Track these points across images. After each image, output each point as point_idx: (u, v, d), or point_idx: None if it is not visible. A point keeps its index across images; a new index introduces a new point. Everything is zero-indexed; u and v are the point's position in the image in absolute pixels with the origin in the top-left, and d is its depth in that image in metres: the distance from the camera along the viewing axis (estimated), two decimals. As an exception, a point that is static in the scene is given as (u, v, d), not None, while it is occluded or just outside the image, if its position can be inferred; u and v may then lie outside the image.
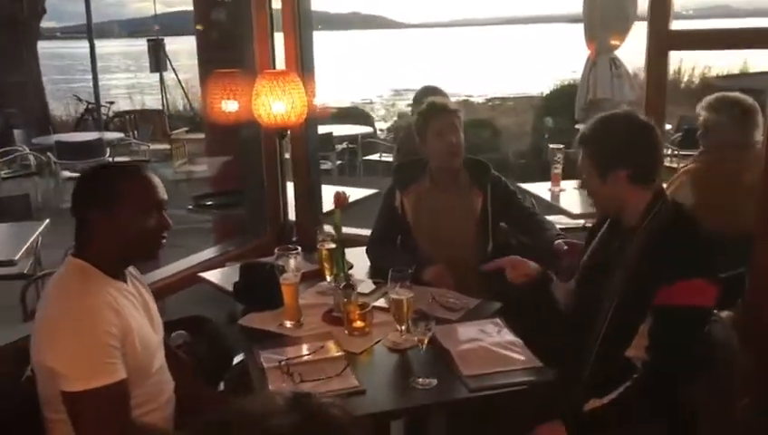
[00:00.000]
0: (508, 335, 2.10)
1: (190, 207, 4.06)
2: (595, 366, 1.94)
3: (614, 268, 1.93)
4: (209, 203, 4.07)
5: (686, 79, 16.20)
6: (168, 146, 8.75)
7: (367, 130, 8.94)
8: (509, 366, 1.94)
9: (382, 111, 15.45)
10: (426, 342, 1.87)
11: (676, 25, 2.66)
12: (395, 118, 12.01)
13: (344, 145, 8.21)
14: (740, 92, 3.23)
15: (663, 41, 2.64)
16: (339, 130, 8.27)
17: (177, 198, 5.28)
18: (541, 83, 12.39)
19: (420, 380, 1.87)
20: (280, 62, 3.46)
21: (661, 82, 2.71)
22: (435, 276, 2.53)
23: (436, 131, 2.71)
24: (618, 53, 5.62)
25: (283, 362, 1.93)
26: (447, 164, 2.72)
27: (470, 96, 17.52)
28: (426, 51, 36.33)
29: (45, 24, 13.37)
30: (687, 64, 16.33)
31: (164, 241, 1.79)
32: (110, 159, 7.32)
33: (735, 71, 13.85)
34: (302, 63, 3.35)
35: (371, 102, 17.95)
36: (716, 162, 3.13)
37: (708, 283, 1.79)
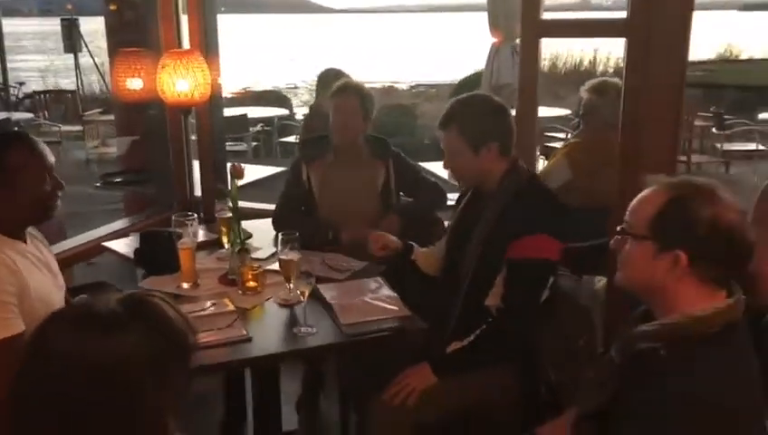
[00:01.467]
0: (386, 291, 2.34)
1: (98, 184, 4.13)
2: (459, 315, 2.20)
3: (474, 229, 2.19)
4: (117, 180, 4.15)
5: (600, 68, 16.99)
6: (80, 127, 8.61)
7: (283, 112, 9.04)
8: (383, 315, 2.18)
9: (306, 95, 15.47)
10: (307, 294, 2.08)
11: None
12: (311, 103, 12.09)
13: (259, 127, 8.29)
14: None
15: (534, 29, 2.92)
16: (254, 111, 8.36)
17: (89, 178, 5.33)
18: (462, 70, 12.77)
19: (303, 328, 2.09)
20: (187, 43, 3.58)
21: (533, 67, 2.98)
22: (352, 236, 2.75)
23: (334, 109, 2.92)
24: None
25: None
26: (338, 140, 2.92)
27: (396, 82, 17.80)
28: (352, 37, 36.39)
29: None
30: (602, 54, 17.15)
31: (58, 202, 1.92)
32: None
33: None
34: (207, 44, 3.49)
35: (296, 87, 17.95)
36: (593, 140, 3.47)
37: (550, 238, 2.06)
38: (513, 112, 8.01)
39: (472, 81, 9.03)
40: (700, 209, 1.34)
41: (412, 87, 17.50)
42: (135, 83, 3.49)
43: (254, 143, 8.26)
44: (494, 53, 6.07)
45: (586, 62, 17.54)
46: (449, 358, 2.12)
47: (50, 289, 1.95)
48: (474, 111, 2.23)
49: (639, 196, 1.44)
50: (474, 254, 2.16)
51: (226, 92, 11.83)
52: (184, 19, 3.55)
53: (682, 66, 2.72)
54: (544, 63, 16.25)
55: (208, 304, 2.23)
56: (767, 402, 1.37)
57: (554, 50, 17.00)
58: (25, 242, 1.93)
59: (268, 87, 12.54)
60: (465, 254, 2.20)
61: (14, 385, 0.99)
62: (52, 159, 1.92)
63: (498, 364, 2.08)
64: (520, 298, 2.08)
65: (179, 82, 3.17)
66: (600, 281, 3.00)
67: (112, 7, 4.90)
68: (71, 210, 3.04)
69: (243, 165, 2.65)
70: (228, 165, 2.89)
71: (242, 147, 7.65)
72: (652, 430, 1.31)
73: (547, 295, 2.13)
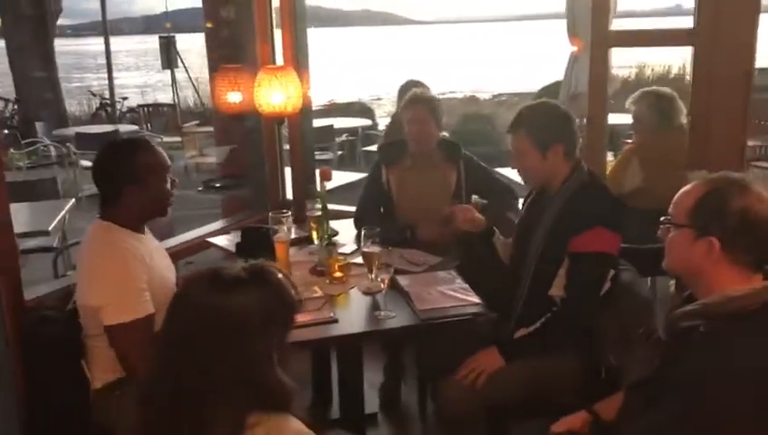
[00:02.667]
0: (459, 282, 2.57)
1: (200, 188, 4.53)
2: (525, 304, 2.40)
3: (539, 224, 2.38)
4: (217, 185, 4.54)
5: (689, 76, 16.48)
6: (179, 138, 9.21)
7: (366, 123, 9.39)
8: (455, 303, 2.40)
9: (389, 106, 15.78)
10: (387, 281, 2.33)
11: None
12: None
13: (344, 137, 8.65)
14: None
15: (603, 40, 3.08)
16: (340, 122, 8.74)
17: (189, 184, 5.80)
18: (543, 79, 12.81)
19: (383, 312, 2.34)
20: (281, 58, 3.91)
21: (603, 76, 3.13)
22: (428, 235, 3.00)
23: (407, 120, 3.17)
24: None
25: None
26: (414, 148, 3.17)
27: (478, 92, 17.95)
28: (438, 48, 36.65)
29: (59, 21, 13.84)
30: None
31: (173, 198, 2.25)
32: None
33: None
34: (298, 59, 3.81)
35: (379, 99, 18.35)
36: (644, 145, 3.63)
37: (609, 232, 2.22)
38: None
39: (551, 89, 9.11)
40: (732, 201, 1.50)
41: (494, 96, 17.59)
42: (235, 97, 3.84)
43: (340, 152, 8.64)
44: (573, 61, 6.16)
45: (675, 70, 17.14)
46: (516, 343, 2.32)
47: (166, 272, 2.28)
48: (541, 117, 2.41)
49: (682, 189, 1.61)
50: (537, 247, 2.36)
51: (315, 105, 12.32)
52: (278, 34, 3.88)
53: (748, 72, 2.82)
54: (631, 72, 16.01)
55: (301, 290, 2.51)
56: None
57: (642, 59, 16.70)
58: (144, 234, 2.27)
59: (354, 99, 12.95)
60: (530, 247, 2.40)
61: (162, 326, 1.28)
62: (169, 161, 2.26)
63: (562, 350, 2.26)
64: (581, 289, 2.26)
65: (274, 95, 3.49)
66: (672, 283, 3.12)
67: (209, 25, 5.34)
68: (175, 212, 3.40)
69: (330, 168, 2.93)
70: (318, 170, 3.18)
71: (328, 155, 8.04)
72: (690, 400, 1.47)
73: (608, 287, 2.30)
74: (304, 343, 2.25)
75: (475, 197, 2.99)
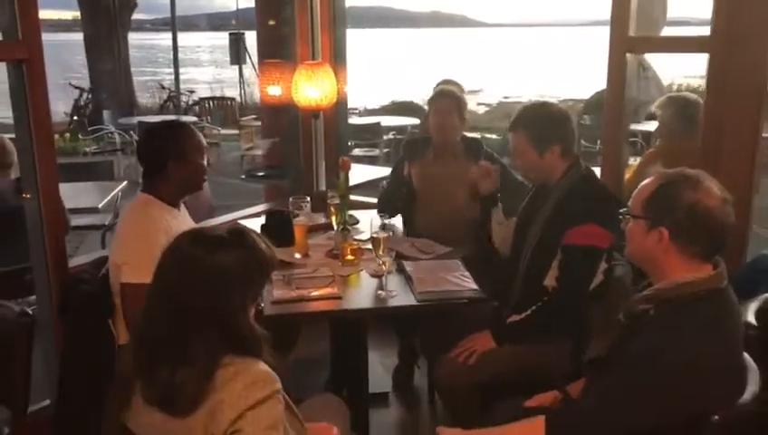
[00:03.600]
0: (462, 271, 2.72)
1: (243, 177, 4.81)
2: (521, 293, 2.54)
3: (536, 217, 2.52)
4: (259, 174, 4.80)
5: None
6: (237, 131, 9.60)
7: (414, 121, 9.54)
8: (453, 288, 2.56)
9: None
10: (388, 263, 2.52)
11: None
12: None
13: (391, 135, 8.85)
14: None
15: (622, 44, 3.16)
16: (387, 120, 8.94)
17: (239, 173, 6.12)
18: (596, 85, 12.70)
19: (384, 292, 2.52)
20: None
21: (621, 80, 3.21)
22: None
23: (433, 111, 3.34)
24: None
25: (285, 276, 2.61)
26: (437, 138, 3.33)
27: (544, 96, 17.87)
28: (503, 51, 36.47)
29: (136, 15, 14.51)
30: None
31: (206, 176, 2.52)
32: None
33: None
34: (336, 57, 4.02)
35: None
36: (668, 150, 3.69)
37: (600, 228, 2.34)
38: (638, 127, 8.16)
39: (602, 96, 9.08)
40: (683, 195, 1.62)
41: (561, 102, 17.43)
42: (275, 90, 4.08)
43: (386, 149, 8.85)
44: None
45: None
46: (507, 328, 2.46)
47: None
48: (539, 118, 2.53)
49: (641, 183, 1.73)
50: (533, 239, 2.50)
51: (377, 104, 12.53)
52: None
53: (762, 78, 2.86)
54: (683, 84, 15.57)
55: (313, 269, 2.72)
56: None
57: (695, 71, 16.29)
58: (179, 209, 2.52)
59: (408, 99, 13.12)
60: (527, 238, 2.53)
61: (153, 275, 1.50)
62: (205, 142, 2.54)
63: (550, 337, 2.39)
64: (570, 281, 2.39)
65: (310, 89, 3.71)
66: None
67: (271, 22, 5.61)
68: (221, 197, 3.62)
69: (349, 159, 3.13)
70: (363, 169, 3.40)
71: (375, 152, 8.26)
72: (631, 375, 1.60)
73: (601, 280, 2.42)
74: (312, 314, 2.46)
75: (483, 161, 3.08)
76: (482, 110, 11.38)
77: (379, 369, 3.55)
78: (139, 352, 1.50)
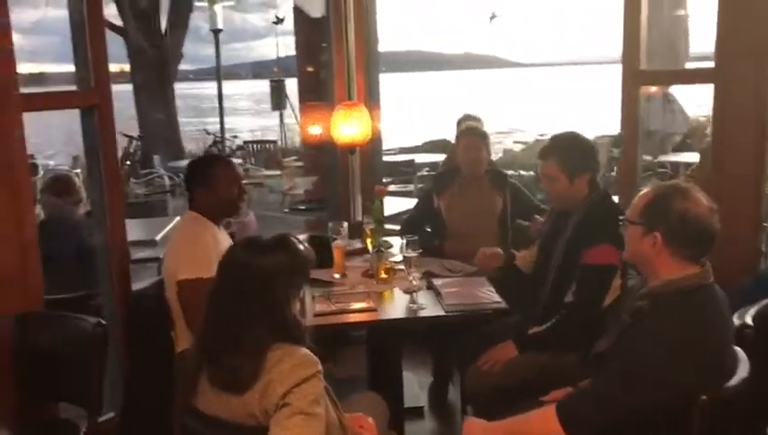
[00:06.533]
0: (488, 286, 2.96)
1: (286, 210, 5.16)
2: (544, 307, 2.77)
3: (560, 238, 2.76)
4: (301, 208, 5.15)
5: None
6: (279, 172, 10.03)
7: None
8: (479, 301, 2.81)
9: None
10: (418, 278, 2.80)
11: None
12: (499, 155, 12.30)
13: (425, 171, 9.16)
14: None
15: (634, 77, 3.40)
16: (421, 157, 9.35)
17: (282, 208, 6.52)
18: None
19: (415, 305, 2.78)
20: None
21: (635, 112, 3.43)
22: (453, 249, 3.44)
23: (462, 147, 3.62)
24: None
25: (325, 292, 2.89)
26: (467, 171, 3.60)
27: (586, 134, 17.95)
28: (532, 90, 36.75)
29: (180, 66, 15.21)
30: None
31: (243, 203, 2.80)
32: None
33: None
34: (370, 97, 4.35)
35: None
36: (701, 179, 3.87)
37: (612, 247, 2.50)
38: (666, 158, 8.32)
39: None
40: (675, 203, 1.85)
41: (597, 138, 17.50)
42: (315, 130, 4.42)
43: (420, 185, 9.15)
44: (646, 100, 6.41)
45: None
46: (529, 338, 2.69)
47: None
48: (571, 147, 2.76)
49: (639, 193, 1.98)
50: (558, 258, 2.74)
51: (411, 144, 12.85)
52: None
53: (764, 108, 3.06)
54: (709, 116, 15.55)
55: (350, 287, 3.00)
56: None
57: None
58: (220, 227, 2.83)
59: (440, 137, 13.45)
60: (552, 258, 2.78)
61: (214, 279, 1.79)
62: (241, 172, 2.83)
63: (569, 346, 2.57)
64: (585, 296, 2.62)
65: (347, 127, 4.02)
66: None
67: (310, 68, 6.01)
68: (266, 227, 3.87)
69: (384, 187, 3.42)
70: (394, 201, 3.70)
71: (409, 187, 8.60)
72: (627, 360, 1.82)
73: (618, 295, 2.63)
74: (351, 324, 2.73)
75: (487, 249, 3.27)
76: (518, 148, 11.61)
77: (415, 387, 3.77)
78: (203, 342, 1.78)
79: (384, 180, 6.13)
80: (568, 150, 2.74)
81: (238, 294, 1.74)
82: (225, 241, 2.78)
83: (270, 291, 1.75)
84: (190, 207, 2.82)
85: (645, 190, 1.97)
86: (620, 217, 2.02)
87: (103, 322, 2.52)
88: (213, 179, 2.75)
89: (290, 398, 1.67)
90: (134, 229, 4.64)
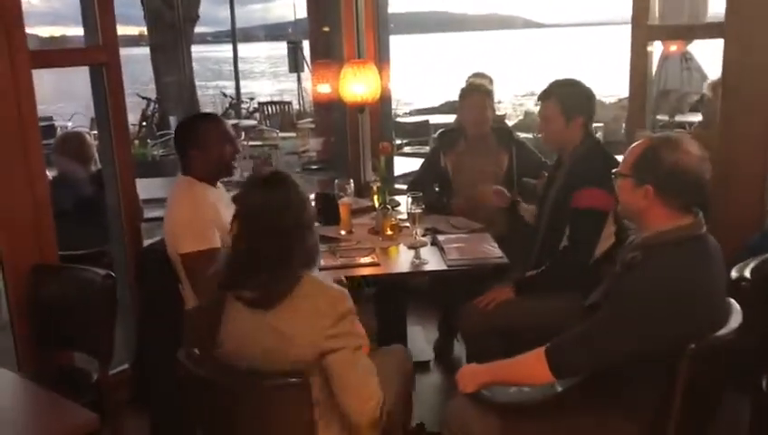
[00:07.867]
0: (489, 241, 2.99)
1: (297, 170, 5.20)
2: (539, 253, 2.83)
3: (553, 185, 2.80)
4: (312, 167, 5.19)
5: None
6: (294, 134, 10.06)
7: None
8: (480, 255, 2.84)
9: (509, 109, 15.83)
10: (420, 233, 2.84)
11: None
12: (520, 117, 12.14)
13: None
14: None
15: (642, 33, 3.37)
16: (436, 119, 9.27)
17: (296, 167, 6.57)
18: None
19: (419, 260, 2.82)
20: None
21: (643, 67, 3.41)
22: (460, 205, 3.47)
23: (466, 106, 3.62)
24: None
25: (330, 247, 2.94)
26: (472, 131, 3.60)
27: (601, 96, 17.74)
28: (556, 51, 36.20)
29: (198, 29, 15.18)
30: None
31: (236, 162, 2.76)
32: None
33: None
34: (380, 56, 4.34)
35: (500, 102, 18.51)
36: (705, 132, 3.85)
37: (604, 192, 2.50)
38: (684, 118, 8.24)
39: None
40: (666, 154, 1.86)
41: (620, 100, 17.35)
42: (324, 88, 4.42)
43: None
44: (663, 59, 6.31)
45: None
46: (524, 280, 2.75)
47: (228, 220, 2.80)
48: (570, 90, 2.80)
49: (630, 146, 1.98)
50: (551, 204, 2.77)
51: (433, 104, 12.76)
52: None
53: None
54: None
55: (356, 242, 3.05)
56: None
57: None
58: (216, 187, 2.77)
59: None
60: (546, 204, 2.82)
61: (235, 213, 1.88)
62: (232, 131, 2.79)
63: (563, 290, 2.57)
64: (577, 239, 2.65)
65: (356, 85, 4.02)
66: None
67: (325, 29, 6.00)
68: None
69: (389, 143, 3.44)
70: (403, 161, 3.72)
71: (425, 149, 8.57)
72: (617, 306, 1.85)
73: (613, 242, 2.64)
74: (356, 277, 2.77)
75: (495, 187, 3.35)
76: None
77: (422, 341, 3.84)
78: (234, 266, 1.88)
79: (399, 142, 6.15)
80: (567, 92, 2.79)
81: (263, 226, 1.84)
82: (223, 199, 2.72)
83: (288, 218, 1.84)
84: (183, 171, 2.70)
85: (636, 143, 1.97)
86: (612, 171, 2.02)
87: (113, 274, 2.59)
88: (203, 139, 2.64)
89: (335, 330, 1.82)
90: (150, 188, 4.73)
